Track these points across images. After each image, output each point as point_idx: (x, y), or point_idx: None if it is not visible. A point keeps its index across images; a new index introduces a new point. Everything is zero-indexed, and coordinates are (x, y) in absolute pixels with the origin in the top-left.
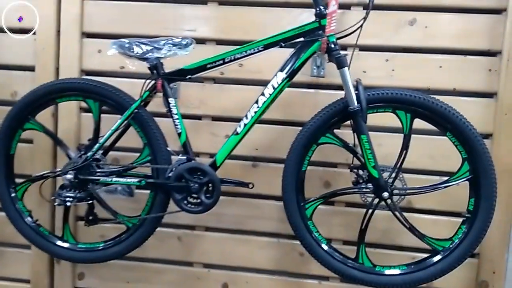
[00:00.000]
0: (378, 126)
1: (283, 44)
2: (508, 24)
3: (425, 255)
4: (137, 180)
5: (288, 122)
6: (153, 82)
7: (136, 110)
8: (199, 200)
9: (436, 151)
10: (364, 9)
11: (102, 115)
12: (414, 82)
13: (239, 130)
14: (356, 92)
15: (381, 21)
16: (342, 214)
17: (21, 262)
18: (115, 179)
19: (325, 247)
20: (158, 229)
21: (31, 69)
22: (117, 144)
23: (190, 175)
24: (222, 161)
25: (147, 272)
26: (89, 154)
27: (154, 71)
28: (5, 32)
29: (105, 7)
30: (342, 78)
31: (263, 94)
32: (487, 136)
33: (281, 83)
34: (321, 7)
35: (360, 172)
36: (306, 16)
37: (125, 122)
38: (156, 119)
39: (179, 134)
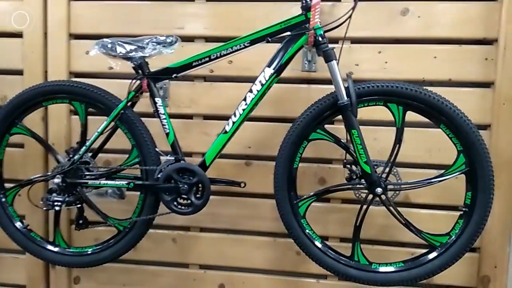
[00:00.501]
0: (373, 120)
1: (269, 39)
2: (504, 11)
3: (425, 251)
4: (126, 182)
5: (280, 118)
6: (138, 82)
7: (122, 111)
8: (189, 201)
9: (431, 144)
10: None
11: (94, 118)
12: (408, 74)
13: (227, 128)
14: (346, 86)
15: (373, 12)
16: (338, 211)
17: (16, 267)
18: (103, 181)
19: (318, 244)
20: (153, 231)
21: (19, 73)
22: (109, 146)
23: (179, 176)
24: (212, 161)
25: (143, 275)
26: (76, 157)
27: (139, 71)
28: None
29: (92, 8)
30: (331, 72)
31: (250, 91)
32: (485, 127)
33: (268, 79)
34: (307, 0)
35: (353, 168)
36: (296, 10)
37: (112, 123)
38: (146, 119)
39: (167, 134)
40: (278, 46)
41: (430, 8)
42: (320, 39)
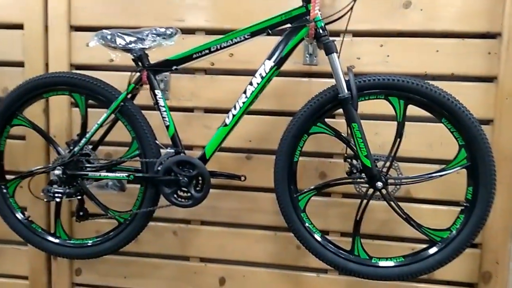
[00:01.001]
0: (374, 114)
1: (270, 31)
2: (507, 5)
3: (425, 246)
4: (126, 174)
5: (281, 112)
6: (138, 74)
7: (122, 103)
8: (189, 194)
9: (433, 138)
10: None
11: (95, 110)
12: (410, 68)
13: (227, 121)
14: (346, 79)
15: (375, 4)
16: (338, 205)
17: (18, 258)
18: (103, 174)
19: (318, 238)
20: (154, 223)
21: (20, 64)
22: (110, 139)
23: (178, 169)
24: (212, 154)
25: (144, 267)
26: (76, 149)
27: (139, 63)
28: None
29: (93, 0)
30: (331, 65)
31: (251, 83)
32: (488, 122)
33: (269, 72)
34: None
35: (354, 162)
36: (297, 2)
37: (112, 116)
38: (146, 112)
39: (167, 127)
40: (278, 38)
41: (433, 1)
42: (320, 31)
